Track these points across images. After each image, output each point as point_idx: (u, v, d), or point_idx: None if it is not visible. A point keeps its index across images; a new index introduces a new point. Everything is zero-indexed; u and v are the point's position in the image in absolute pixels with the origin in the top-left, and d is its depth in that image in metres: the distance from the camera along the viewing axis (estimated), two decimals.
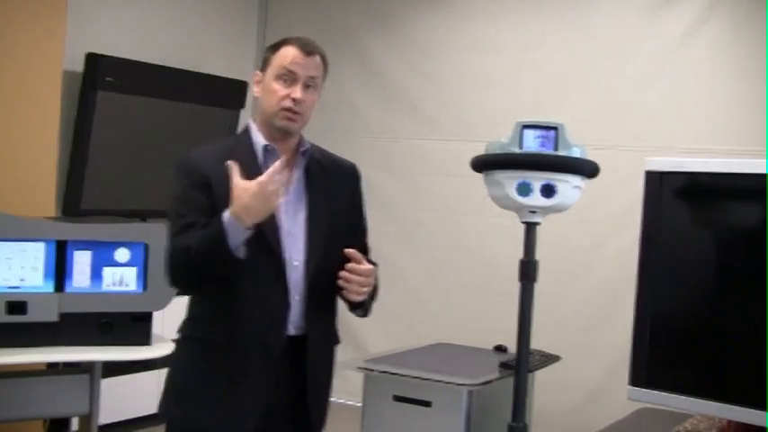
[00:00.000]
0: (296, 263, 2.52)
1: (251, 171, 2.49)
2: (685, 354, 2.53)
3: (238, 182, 2.36)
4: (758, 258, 2.40)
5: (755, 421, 2.33)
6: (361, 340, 5.73)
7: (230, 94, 5.70)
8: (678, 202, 2.60)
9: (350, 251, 2.49)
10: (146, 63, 5.17)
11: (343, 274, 2.48)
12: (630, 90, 5.18)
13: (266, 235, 2.45)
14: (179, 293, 2.77)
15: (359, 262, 2.49)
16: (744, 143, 4.75)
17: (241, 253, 2.39)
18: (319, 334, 2.58)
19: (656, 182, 2.57)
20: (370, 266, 2.52)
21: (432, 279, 5.76)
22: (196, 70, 5.49)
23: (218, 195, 2.45)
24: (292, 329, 2.52)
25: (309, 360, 2.53)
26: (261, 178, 2.34)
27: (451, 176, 5.45)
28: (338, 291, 2.52)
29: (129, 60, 5.08)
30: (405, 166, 5.89)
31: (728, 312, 2.45)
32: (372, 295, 2.62)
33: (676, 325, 2.56)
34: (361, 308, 2.62)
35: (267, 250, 2.44)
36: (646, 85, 5.14)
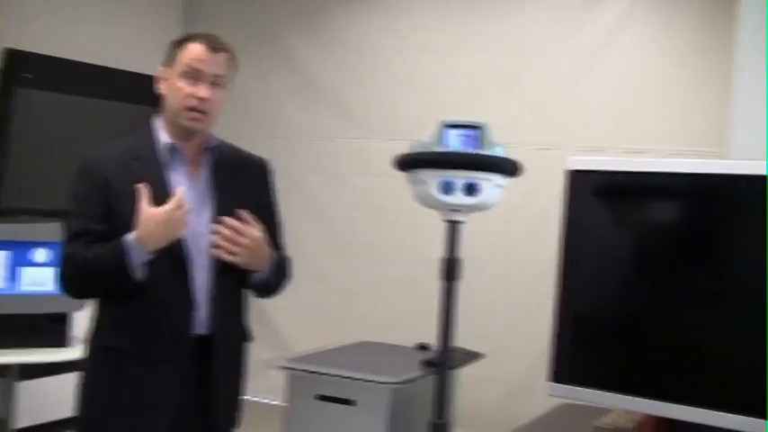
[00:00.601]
0: (203, 261, 2.49)
1: (154, 170, 2.46)
2: (604, 349, 2.56)
3: (146, 208, 2.34)
4: (675, 256, 2.45)
5: (673, 414, 2.38)
6: (286, 339, 5.70)
7: (152, 91, 5.61)
8: (597, 200, 2.63)
9: (241, 211, 2.46)
10: (66, 60, 5.07)
11: (214, 226, 2.45)
12: (557, 89, 5.24)
13: None
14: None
15: (247, 223, 2.46)
16: (672, 142, 4.83)
17: (139, 274, 2.37)
18: (227, 332, 2.55)
19: (576, 180, 2.60)
20: (255, 232, 2.47)
21: (358, 278, 5.75)
22: (117, 67, 5.40)
23: (117, 197, 2.42)
24: (201, 328, 2.49)
25: (216, 359, 2.50)
26: (168, 206, 2.32)
27: (380, 175, 5.39)
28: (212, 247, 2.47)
29: (48, 57, 4.97)
30: (333, 165, 5.86)
31: (646, 308, 2.48)
32: (276, 280, 2.61)
33: (595, 321, 2.59)
34: (263, 290, 2.61)
35: (171, 249, 2.41)
36: (572, 85, 5.21)
